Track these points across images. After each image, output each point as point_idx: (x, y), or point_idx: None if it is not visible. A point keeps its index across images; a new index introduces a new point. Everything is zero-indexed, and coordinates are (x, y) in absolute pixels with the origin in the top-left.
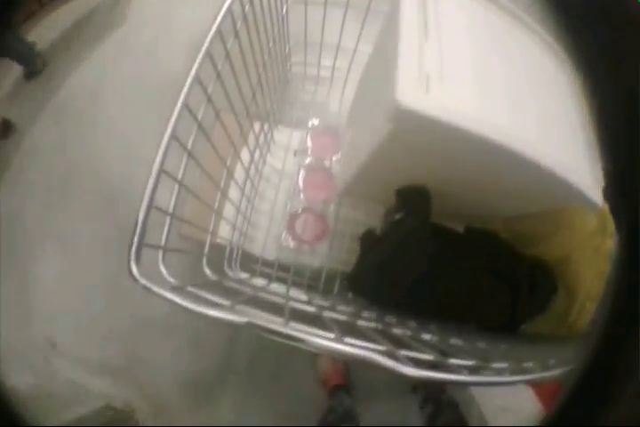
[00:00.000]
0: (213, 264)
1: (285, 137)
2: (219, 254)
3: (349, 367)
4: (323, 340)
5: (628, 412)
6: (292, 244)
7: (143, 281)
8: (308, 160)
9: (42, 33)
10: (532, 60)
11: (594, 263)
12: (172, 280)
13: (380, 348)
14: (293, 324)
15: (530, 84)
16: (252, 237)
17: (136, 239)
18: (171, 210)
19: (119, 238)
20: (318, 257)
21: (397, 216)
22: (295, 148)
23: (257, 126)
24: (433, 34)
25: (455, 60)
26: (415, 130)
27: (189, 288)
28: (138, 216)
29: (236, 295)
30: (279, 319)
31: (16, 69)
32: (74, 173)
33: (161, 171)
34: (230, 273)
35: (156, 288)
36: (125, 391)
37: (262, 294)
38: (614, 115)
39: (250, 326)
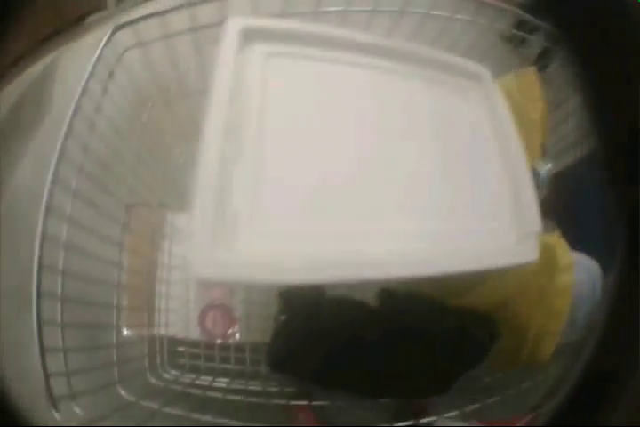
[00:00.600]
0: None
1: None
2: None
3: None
4: None
5: (628, 412)
6: (207, 339)
7: None
8: None
9: None
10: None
11: (543, 303)
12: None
13: None
14: None
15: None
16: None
17: None
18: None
19: None
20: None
21: (282, 317)
22: None
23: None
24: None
25: (280, 173)
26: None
27: None
28: None
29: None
30: None
31: None
32: None
33: None
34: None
35: None
36: None
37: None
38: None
39: None
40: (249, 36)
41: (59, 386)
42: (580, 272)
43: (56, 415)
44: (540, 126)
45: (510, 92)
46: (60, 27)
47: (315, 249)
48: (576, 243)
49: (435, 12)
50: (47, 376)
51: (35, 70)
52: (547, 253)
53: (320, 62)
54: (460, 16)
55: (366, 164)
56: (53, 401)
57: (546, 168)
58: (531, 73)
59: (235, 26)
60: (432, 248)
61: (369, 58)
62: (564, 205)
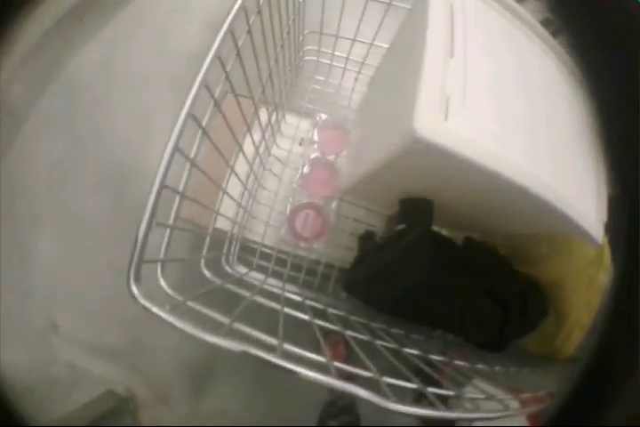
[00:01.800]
0: (211, 257)
1: (292, 127)
2: (216, 244)
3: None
4: (314, 374)
5: (627, 412)
6: (291, 239)
7: (143, 302)
8: (313, 154)
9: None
10: (548, 79)
11: (586, 293)
12: (171, 292)
13: (367, 374)
14: (287, 347)
15: (546, 108)
16: (251, 228)
17: (136, 257)
18: (181, 188)
19: (128, 219)
20: (316, 253)
21: (399, 227)
22: (301, 138)
23: (264, 113)
24: (459, 49)
25: (477, 81)
26: (429, 156)
27: (189, 303)
28: (138, 232)
29: (233, 302)
30: (274, 341)
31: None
32: (82, 149)
33: (175, 150)
34: (228, 268)
35: (155, 309)
36: (127, 377)
37: (260, 298)
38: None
39: (245, 354)
40: None
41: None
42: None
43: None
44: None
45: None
46: None
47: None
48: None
49: None
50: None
51: None
52: (601, 249)
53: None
54: None
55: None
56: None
57: None
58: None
59: None
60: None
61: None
62: None
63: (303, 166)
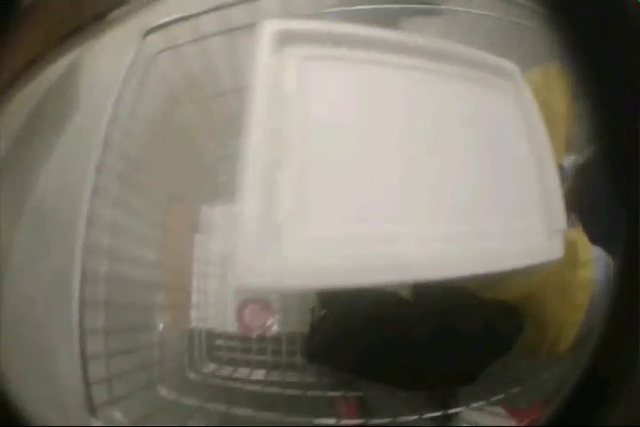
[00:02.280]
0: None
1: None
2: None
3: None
4: None
5: (627, 412)
6: (244, 331)
7: None
8: None
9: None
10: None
11: (564, 297)
12: None
13: None
14: None
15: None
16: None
17: None
18: None
19: None
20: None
21: (321, 311)
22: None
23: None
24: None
25: (321, 183)
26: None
27: None
28: None
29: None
30: None
31: None
32: None
33: None
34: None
35: None
36: None
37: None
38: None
39: None
40: (284, 39)
41: (97, 392)
42: (598, 267)
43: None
44: (565, 121)
45: (536, 87)
46: (79, 24)
47: (354, 253)
48: (596, 237)
49: (464, 9)
50: (88, 384)
51: (57, 68)
52: (569, 248)
53: (355, 64)
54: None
55: (402, 165)
56: (94, 409)
57: (569, 161)
58: (555, 67)
59: (269, 28)
60: (463, 249)
61: (404, 57)
62: (586, 198)
63: None
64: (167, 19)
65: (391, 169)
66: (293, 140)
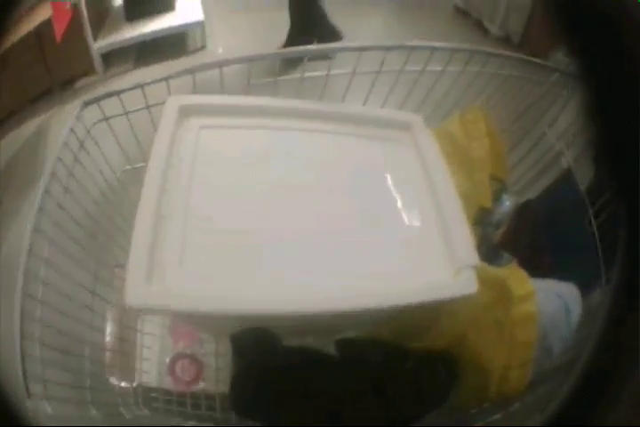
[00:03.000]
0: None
1: None
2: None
3: None
4: None
5: (627, 412)
6: (176, 387)
7: None
8: None
9: None
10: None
11: (504, 336)
12: None
13: None
14: None
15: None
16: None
17: None
18: None
19: None
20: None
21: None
22: None
23: None
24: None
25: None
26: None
27: None
28: None
29: None
30: None
31: None
32: None
33: None
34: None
35: None
36: None
37: None
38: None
39: None
40: (185, 112)
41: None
42: (548, 298)
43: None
44: (486, 163)
45: (453, 134)
46: (50, 87)
47: (227, 286)
48: (553, 268)
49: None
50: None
51: (27, 129)
52: (498, 285)
53: (247, 129)
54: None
55: (292, 218)
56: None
57: (507, 202)
58: (475, 111)
59: (172, 103)
60: (348, 286)
61: (298, 121)
62: (535, 233)
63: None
64: (99, 93)
65: (279, 220)
66: (179, 197)
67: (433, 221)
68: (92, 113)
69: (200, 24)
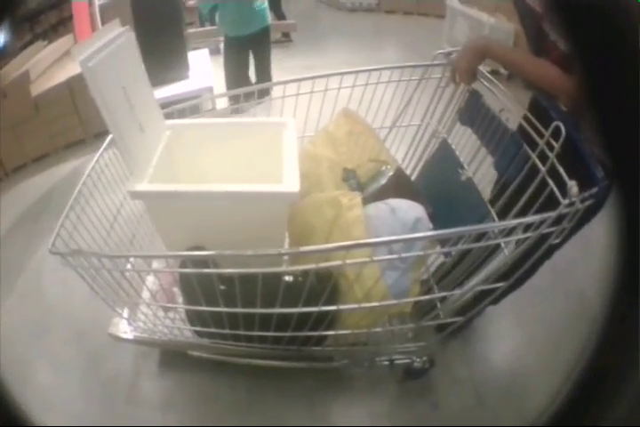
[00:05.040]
0: None
1: None
2: None
3: None
4: None
5: (627, 412)
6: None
7: None
8: None
9: None
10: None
11: (343, 232)
12: None
13: None
14: None
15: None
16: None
17: None
18: None
19: None
20: None
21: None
22: None
23: None
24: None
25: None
26: (149, 200)
27: None
28: None
29: None
30: None
31: None
32: None
33: None
34: None
35: None
36: None
37: None
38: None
39: None
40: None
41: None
42: (376, 206)
43: None
44: (345, 141)
45: (327, 129)
46: (83, 138)
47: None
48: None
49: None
50: None
51: (59, 171)
52: (334, 201)
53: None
54: None
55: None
56: None
57: (388, 172)
58: (349, 112)
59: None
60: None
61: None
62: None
63: None
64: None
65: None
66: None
67: (282, 170)
68: None
69: (210, 89)
